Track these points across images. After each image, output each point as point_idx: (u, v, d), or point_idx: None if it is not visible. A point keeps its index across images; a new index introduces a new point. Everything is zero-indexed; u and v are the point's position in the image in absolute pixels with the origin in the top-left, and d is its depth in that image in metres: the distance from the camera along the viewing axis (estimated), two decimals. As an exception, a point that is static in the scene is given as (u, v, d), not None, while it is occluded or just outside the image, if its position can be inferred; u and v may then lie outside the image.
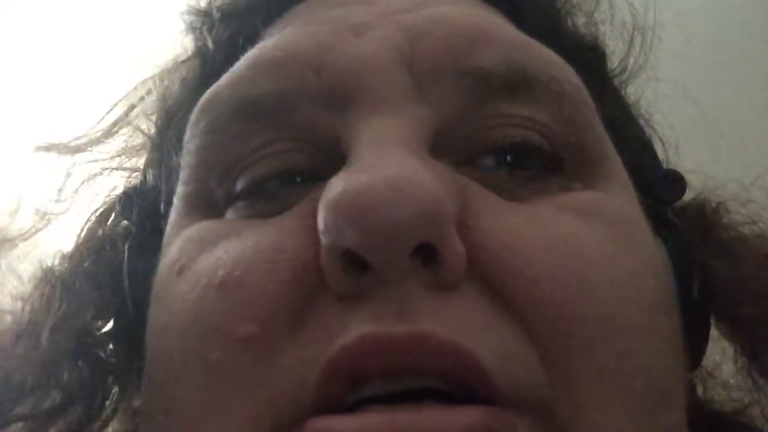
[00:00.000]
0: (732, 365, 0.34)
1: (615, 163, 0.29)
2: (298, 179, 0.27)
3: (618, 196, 0.28)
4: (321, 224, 0.22)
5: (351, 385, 0.22)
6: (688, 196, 0.34)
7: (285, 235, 0.24)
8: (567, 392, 0.22)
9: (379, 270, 0.22)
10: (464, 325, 0.22)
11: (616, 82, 0.35)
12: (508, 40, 0.27)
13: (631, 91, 0.36)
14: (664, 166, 0.35)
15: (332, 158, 0.26)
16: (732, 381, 0.34)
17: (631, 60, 0.35)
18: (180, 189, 0.29)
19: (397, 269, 0.22)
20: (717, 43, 0.56)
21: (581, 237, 0.24)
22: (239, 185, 0.27)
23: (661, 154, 0.35)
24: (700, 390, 0.35)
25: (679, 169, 0.34)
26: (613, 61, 0.35)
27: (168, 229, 0.30)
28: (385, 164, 0.23)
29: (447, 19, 0.27)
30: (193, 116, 0.29)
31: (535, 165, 0.27)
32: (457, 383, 0.22)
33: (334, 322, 0.22)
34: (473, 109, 0.26)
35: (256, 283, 0.23)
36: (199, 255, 0.26)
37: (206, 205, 0.28)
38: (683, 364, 0.27)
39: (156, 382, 0.26)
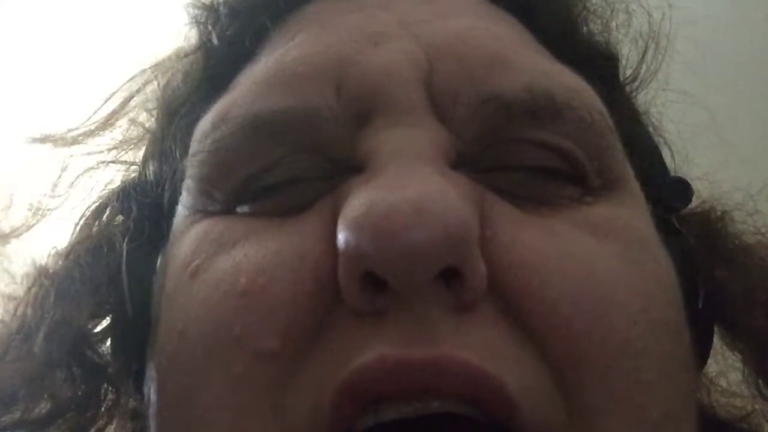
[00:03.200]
0: (729, 372, 0.34)
1: (629, 176, 0.29)
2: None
3: (631, 210, 0.28)
4: (342, 243, 0.22)
5: (367, 406, 0.21)
6: (693, 203, 0.34)
7: (307, 241, 0.24)
8: (583, 420, 0.22)
9: (400, 292, 0.22)
10: (486, 349, 0.22)
11: (627, 89, 0.35)
12: (528, 65, 0.27)
13: (642, 98, 0.35)
14: (672, 174, 0.35)
15: (347, 168, 0.25)
16: (732, 388, 0.34)
17: (644, 68, 0.35)
18: (185, 196, 0.29)
19: (419, 292, 0.22)
20: (727, 52, 0.57)
21: (597, 258, 0.24)
22: (246, 196, 0.27)
23: (668, 161, 0.35)
24: (701, 396, 0.35)
25: (685, 177, 0.34)
26: (626, 69, 0.35)
27: (176, 224, 0.29)
28: (409, 181, 0.22)
29: (464, 38, 0.27)
30: (203, 127, 0.28)
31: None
32: (478, 405, 0.21)
33: (351, 341, 0.22)
34: (493, 132, 0.26)
35: (278, 294, 0.23)
36: (215, 256, 0.25)
37: (211, 211, 0.27)
38: (694, 382, 0.28)
39: (174, 390, 0.25)
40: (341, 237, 0.22)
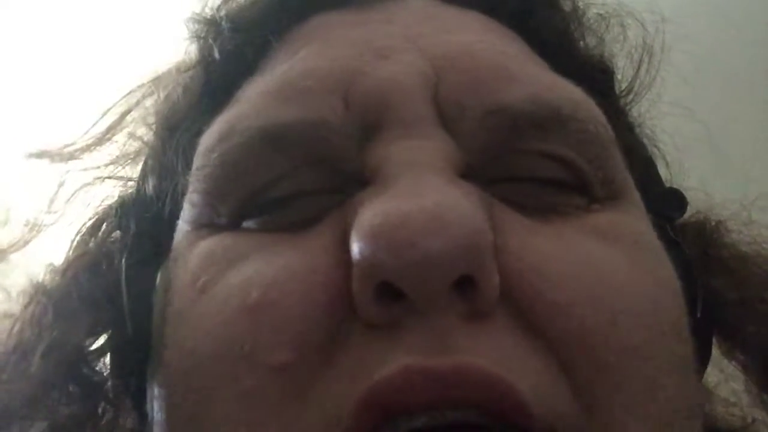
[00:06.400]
0: (729, 382, 0.34)
1: (631, 186, 0.29)
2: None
3: (635, 218, 0.28)
4: (356, 253, 0.22)
5: (386, 420, 0.21)
6: (688, 213, 0.34)
7: (317, 254, 0.24)
8: (597, 422, 0.22)
9: (416, 301, 0.22)
10: (502, 357, 0.22)
11: (623, 101, 0.36)
12: (533, 78, 0.27)
13: (636, 110, 0.36)
14: (666, 184, 0.35)
15: (355, 181, 0.25)
16: (732, 398, 0.35)
17: (638, 81, 0.35)
18: (188, 210, 0.28)
19: (435, 301, 0.22)
20: (720, 64, 0.58)
21: (607, 262, 0.25)
22: (253, 210, 0.27)
23: (663, 172, 0.36)
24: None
25: (680, 187, 0.35)
26: (621, 82, 0.35)
27: (178, 239, 0.29)
28: (422, 190, 0.22)
29: (470, 51, 0.27)
30: (207, 141, 0.28)
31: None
32: (493, 415, 0.21)
33: (369, 353, 0.22)
34: (500, 144, 0.26)
35: (290, 307, 0.23)
36: (224, 271, 0.25)
37: (216, 224, 0.27)
38: (700, 387, 0.28)
39: (185, 408, 0.25)
40: (356, 247, 0.22)
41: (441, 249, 0.21)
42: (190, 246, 0.27)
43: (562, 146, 0.26)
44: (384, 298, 0.22)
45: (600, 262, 0.24)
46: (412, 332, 0.22)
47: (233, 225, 0.27)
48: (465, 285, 0.22)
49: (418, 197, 0.22)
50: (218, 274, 0.25)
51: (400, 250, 0.21)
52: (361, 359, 0.22)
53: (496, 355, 0.22)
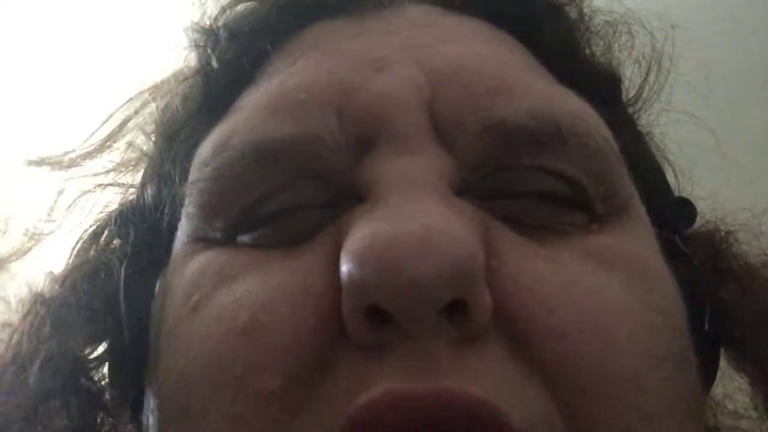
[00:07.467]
0: (736, 394, 0.34)
1: (635, 201, 0.28)
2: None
3: (637, 237, 0.27)
4: (344, 276, 0.21)
5: None
6: (697, 223, 0.34)
7: (309, 274, 0.23)
8: None
9: (405, 325, 0.21)
10: (490, 382, 0.21)
11: (630, 110, 0.35)
12: (532, 90, 0.27)
13: (645, 119, 0.35)
14: (675, 194, 0.35)
15: (349, 196, 0.25)
16: (740, 411, 0.34)
17: (647, 89, 0.35)
18: (184, 222, 0.28)
19: (423, 325, 0.21)
20: (730, 72, 0.57)
21: (604, 288, 0.24)
22: (247, 225, 0.26)
23: (671, 181, 0.35)
24: (707, 419, 0.34)
25: (689, 197, 0.34)
26: (629, 90, 0.35)
27: (176, 250, 0.28)
28: (413, 211, 0.22)
29: (467, 63, 0.27)
30: (202, 154, 0.28)
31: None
32: None
33: (355, 376, 0.21)
34: (497, 159, 0.26)
35: (280, 331, 0.22)
36: (216, 290, 0.25)
37: (211, 239, 0.27)
38: (701, 412, 0.27)
39: (174, 427, 0.25)
40: (344, 269, 0.21)
41: (429, 273, 0.20)
42: (186, 259, 0.27)
43: (561, 161, 0.26)
44: (374, 320, 0.21)
45: (597, 287, 0.24)
46: (399, 355, 0.21)
47: (228, 240, 0.27)
48: (456, 308, 0.21)
49: (408, 219, 0.21)
50: (210, 293, 0.25)
51: (387, 274, 0.20)
52: (348, 383, 0.22)
53: (486, 381, 0.21)
